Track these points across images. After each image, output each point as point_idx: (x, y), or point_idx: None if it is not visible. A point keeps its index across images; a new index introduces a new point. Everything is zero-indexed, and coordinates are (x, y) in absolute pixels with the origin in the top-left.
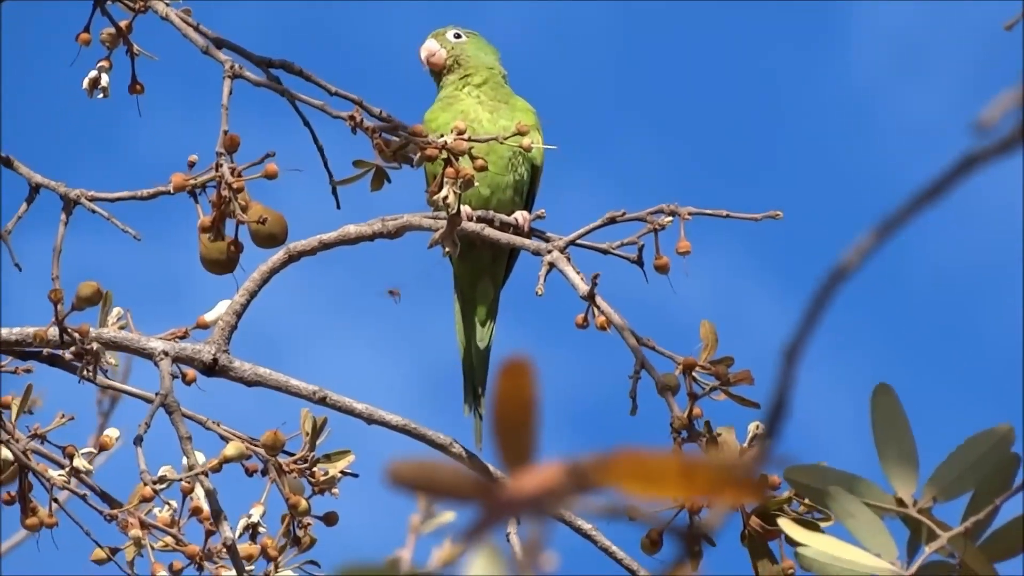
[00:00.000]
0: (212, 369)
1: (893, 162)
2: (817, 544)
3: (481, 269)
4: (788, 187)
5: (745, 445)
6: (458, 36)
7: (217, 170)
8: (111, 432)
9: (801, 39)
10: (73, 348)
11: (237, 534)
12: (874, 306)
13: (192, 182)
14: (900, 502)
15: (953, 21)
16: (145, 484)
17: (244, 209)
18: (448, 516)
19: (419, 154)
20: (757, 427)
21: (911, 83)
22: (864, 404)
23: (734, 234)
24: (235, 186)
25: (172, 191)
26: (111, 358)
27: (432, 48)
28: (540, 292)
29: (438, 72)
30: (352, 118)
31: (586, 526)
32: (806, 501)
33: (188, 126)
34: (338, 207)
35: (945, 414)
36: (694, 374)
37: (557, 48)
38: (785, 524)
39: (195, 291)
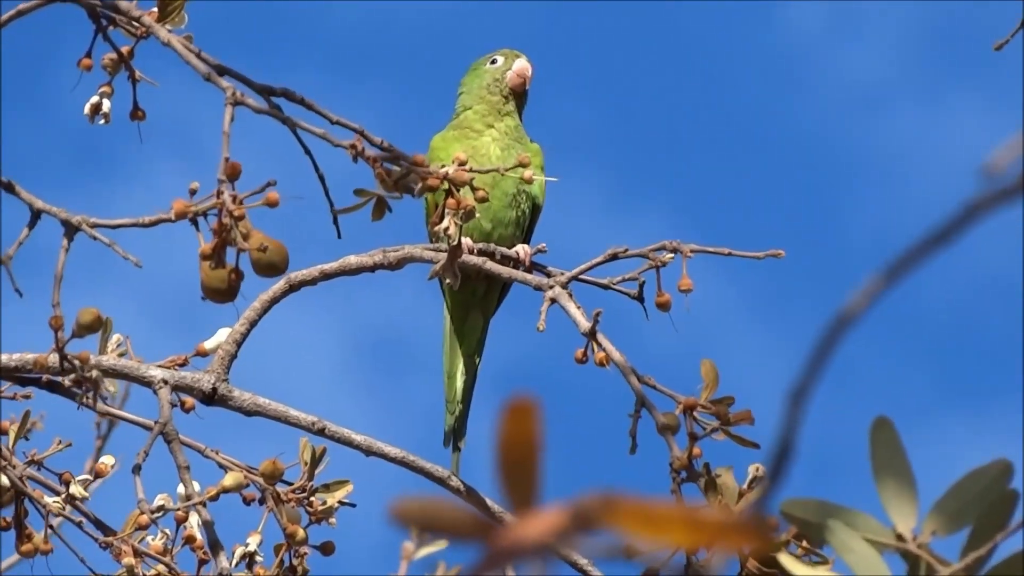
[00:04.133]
0: (211, 398)
1: (829, 123)
2: None
3: (473, 301)
4: (724, 150)
5: (744, 487)
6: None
7: (218, 197)
8: (107, 459)
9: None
10: (73, 376)
11: (234, 563)
12: (875, 337)
13: (194, 209)
14: (899, 537)
15: None
16: (143, 513)
17: (245, 237)
18: (441, 544)
19: (420, 184)
20: (757, 469)
21: (846, 42)
22: (863, 435)
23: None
24: (236, 214)
25: (173, 218)
26: (111, 385)
27: (528, 73)
28: (541, 328)
29: (516, 92)
30: (354, 147)
31: (581, 560)
32: (804, 544)
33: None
34: (339, 236)
35: (944, 447)
36: (695, 414)
37: (483, 18)
38: (784, 559)
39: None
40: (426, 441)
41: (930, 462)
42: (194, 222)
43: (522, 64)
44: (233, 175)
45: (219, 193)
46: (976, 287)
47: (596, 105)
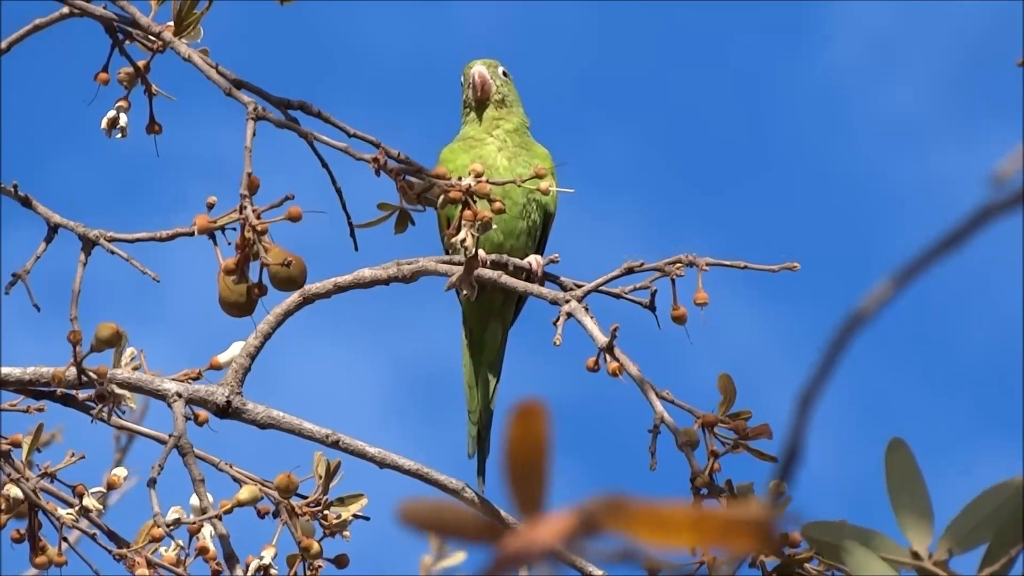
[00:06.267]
0: (225, 411)
1: (868, 158)
2: None
3: (491, 311)
4: (763, 184)
5: (765, 501)
6: (506, 75)
7: (241, 212)
8: (119, 471)
9: (777, 35)
10: (95, 391)
11: (248, 575)
12: (913, 366)
13: (216, 225)
14: (915, 555)
15: (928, 18)
16: (158, 526)
17: (267, 251)
18: (459, 556)
19: (442, 197)
20: (777, 485)
21: (887, 79)
22: (878, 455)
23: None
24: (259, 228)
25: (196, 233)
26: (131, 402)
27: (486, 76)
28: (558, 343)
29: (481, 101)
30: (376, 160)
31: (597, 572)
32: (825, 559)
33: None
34: (356, 249)
35: (982, 474)
36: (714, 429)
37: (523, 48)
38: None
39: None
40: (456, 459)
41: (966, 490)
42: (212, 236)
43: (472, 74)
44: (253, 190)
45: (242, 208)
46: (1016, 315)
47: (638, 134)
